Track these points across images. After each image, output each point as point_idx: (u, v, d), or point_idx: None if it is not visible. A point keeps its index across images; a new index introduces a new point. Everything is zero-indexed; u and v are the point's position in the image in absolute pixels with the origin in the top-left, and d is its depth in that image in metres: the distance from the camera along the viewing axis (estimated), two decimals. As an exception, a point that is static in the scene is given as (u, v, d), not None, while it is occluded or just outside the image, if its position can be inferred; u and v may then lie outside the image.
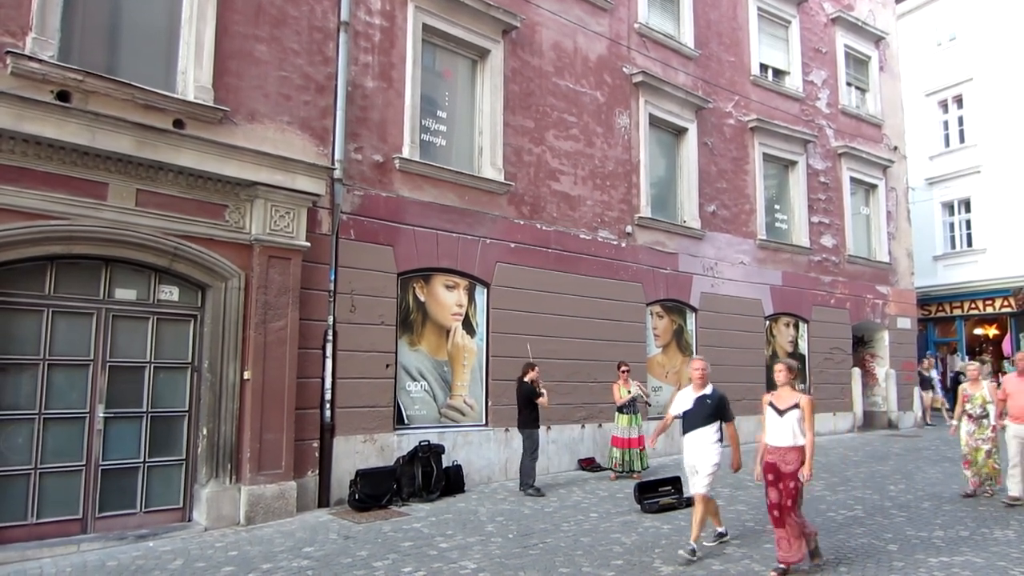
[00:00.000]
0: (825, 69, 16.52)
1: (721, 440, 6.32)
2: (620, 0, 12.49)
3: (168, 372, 7.54)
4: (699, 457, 6.27)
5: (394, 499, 8.44)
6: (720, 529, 6.66)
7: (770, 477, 5.72)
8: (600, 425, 11.01)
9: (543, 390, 9.30)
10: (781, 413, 5.76)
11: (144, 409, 7.34)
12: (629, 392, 10.28)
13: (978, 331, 20.89)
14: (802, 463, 5.62)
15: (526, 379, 9.31)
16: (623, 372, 10.42)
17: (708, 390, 6.41)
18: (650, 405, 11.29)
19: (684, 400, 6.49)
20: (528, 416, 9.22)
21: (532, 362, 9.48)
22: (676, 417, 6.58)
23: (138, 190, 7.11)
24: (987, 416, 8.66)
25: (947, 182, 21.10)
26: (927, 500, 8.45)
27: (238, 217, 7.79)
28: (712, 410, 6.32)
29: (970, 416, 8.81)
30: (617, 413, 10.35)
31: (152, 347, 7.43)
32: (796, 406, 5.72)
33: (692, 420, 6.35)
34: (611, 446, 10.40)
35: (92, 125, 6.62)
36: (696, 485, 6.29)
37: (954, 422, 9.09)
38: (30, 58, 6.51)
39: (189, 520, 7.47)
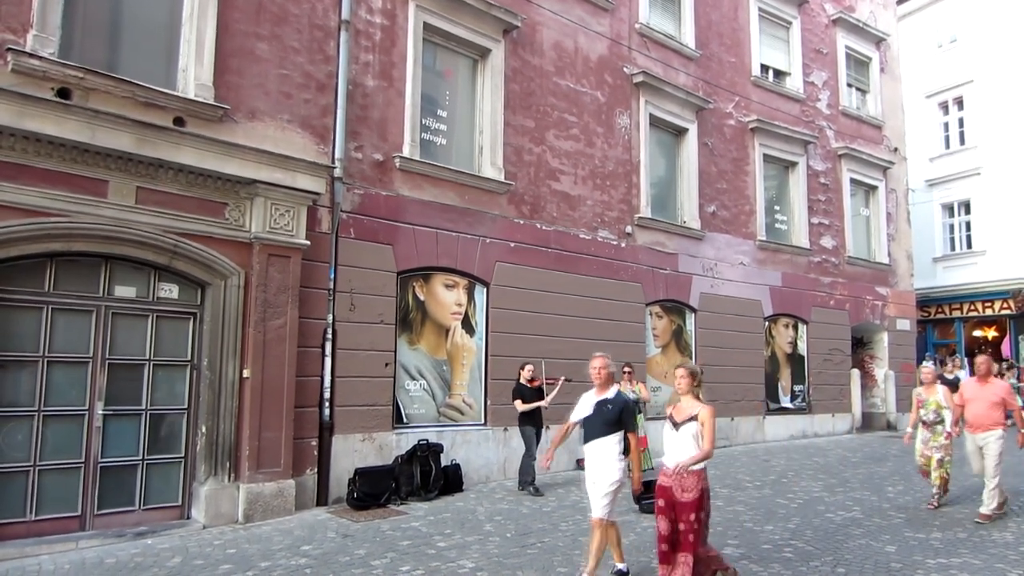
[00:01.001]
0: (826, 70, 16.52)
1: (626, 453, 5.48)
2: (621, 0, 12.49)
3: (167, 370, 7.54)
4: (598, 473, 5.39)
5: (392, 498, 8.44)
6: (621, 567, 5.53)
7: (661, 503, 4.84)
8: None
9: (547, 383, 9.43)
10: (677, 426, 4.91)
11: (143, 407, 7.34)
12: (634, 392, 10.26)
13: (977, 333, 20.91)
14: (703, 492, 4.72)
15: (521, 380, 9.39)
16: (626, 373, 10.42)
17: (610, 393, 5.53)
18: (646, 403, 11.20)
19: (584, 404, 5.61)
20: (523, 415, 9.26)
21: (526, 362, 9.53)
22: (576, 424, 5.72)
23: (138, 187, 7.11)
24: (942, 422, 8.11)
25: (947, 184, 21.12)
26: (925, 502, 8.45)
27: (238, 215, 7.79)
28: (614, 417, 5.43)
29: (924, 423, 8.25)
30: None
31: (151, 345, 7.43)
32: (694, 418, 4.83)
33: (591, 428, 5.48)
34: None
35: (92, 122, 6.62)
36: (594, 507, 5.38)
37: (909, 429, 8.45)
38: (31, 55, 6.51)
39: (188, 518, 7.47)
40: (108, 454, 7.09)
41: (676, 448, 4.88)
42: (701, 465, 4.79)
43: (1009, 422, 7.93)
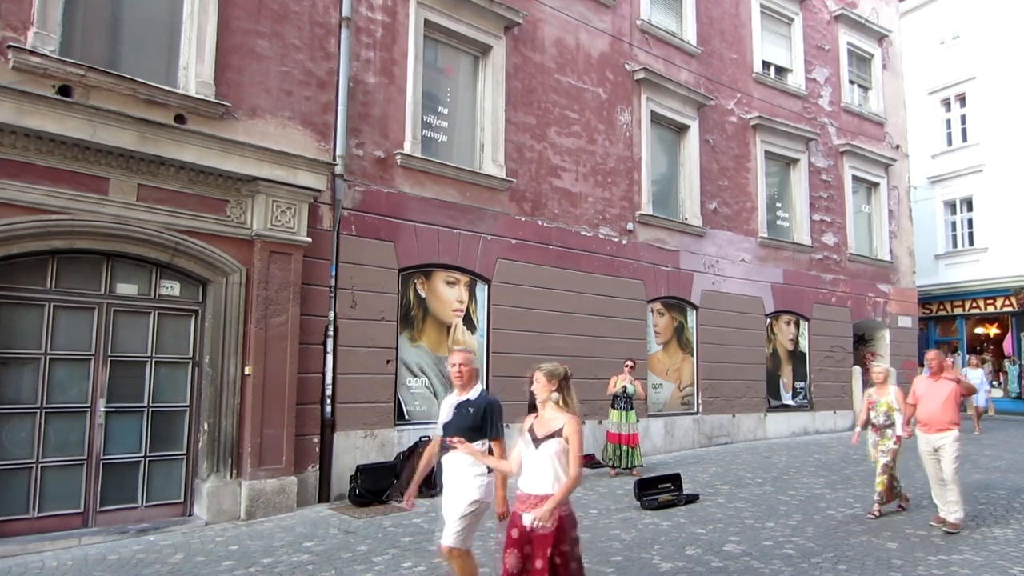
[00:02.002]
0: (828, 67, 16.49)
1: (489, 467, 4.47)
2: (622, -3, 12.48)
3: (169, 367, 7.56)
4: (454, 491, 4.48)
5: (394, 494, 8.45)
6: None
7: (514, 534, 3.87)
8: (600, 422, 11.00)
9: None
10: (537, 443, 3.92)
11: (145, 404, 7.35)
12: (625, 388, 10.25)
13: (979, 330, 20.89)
14: (561, 521, 3.79)
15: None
16: (626, 367, 10.44)
17: (472, 393, 4.62)
18: (642, 400, 11.19)
19: (444, 409, 4.69)
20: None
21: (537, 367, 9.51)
22: (441, 437, 4.63)
23: (139, 185, 7.12)
24: (892, 425, 7.70)
25: (949, 181, 21.08)
26: (926, 498, 8.43)
27: (239, 212, 7.80)
28: (474, 422, 4.48)
29: (874, 426, 7.84)
30: (610, 408, 10.38)
31: (153, 342, 7.44)
32: (556, 434, 3.88)
33: (448, 436, 4.48)
34: (606, 441, 10.43)
35: (93, 120, 6.62)
36: (446, 532, 4.46)
37: (858, 429, 8.14)
38: (31, 52, 6.52)
39: (190, 514, 7.48)
40: (110, 451, 7.10)
41: (534, 471, 3.91)
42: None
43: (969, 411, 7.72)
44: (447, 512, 4.50)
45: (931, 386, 7.37)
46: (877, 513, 7.56)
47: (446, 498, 4.57)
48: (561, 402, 4.01)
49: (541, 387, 4.04)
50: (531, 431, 4.01)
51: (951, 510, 6.95)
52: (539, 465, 3.90)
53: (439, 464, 4.69)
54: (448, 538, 4.42)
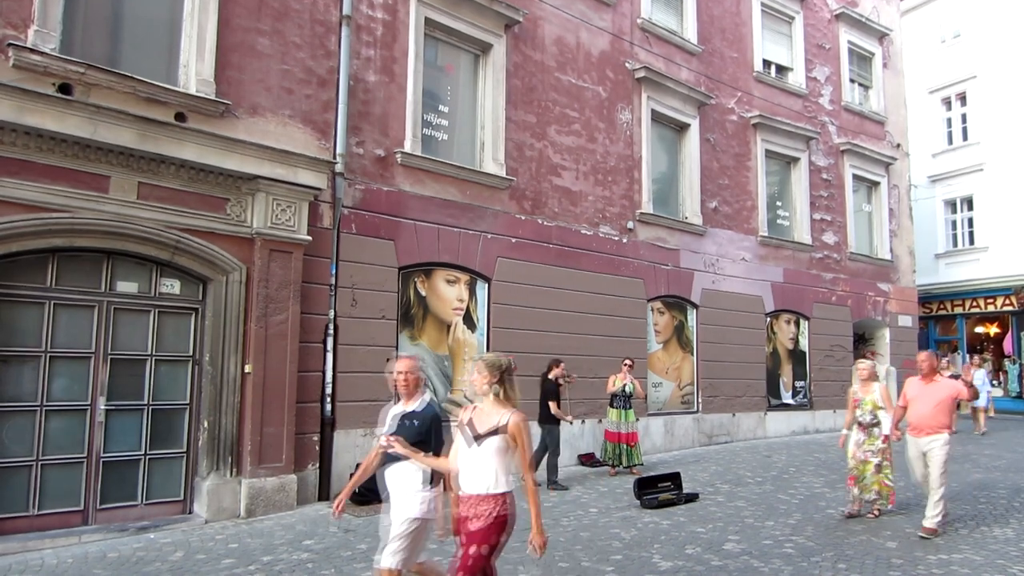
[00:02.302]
0: (828, 65, 16.48)
1: (432, 481, 4.24)
2: (623, -5, 12.47)
3: (169, 365, 7.56)
4: (395, 507, 4.27)
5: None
6: None
7: (463, 538, 3.67)
8: (600, 420, 11.01)
9: (567, 381, 9.50)
10: (478, 439, 3.66)
11: (145, 402, 7.36)
12: (624, 387, 10.24)
13: (979, 329, 20.88)
14: (497, 519, 3.57)
15: (550, 376, 9.38)
16: (625, 366, 10.44)
17: (417, 404, 4.37)
18: (641, 399, 11.16)
19: (387, 419, 4.46)
20: (548, 412, 9.25)
21: (558, 358, 9.54)
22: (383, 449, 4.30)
23: (140, 183, 7.12)
24: (878, 424, 7.51)
25: (950, 180, 21.06)
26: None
27: (239, 210, 7.79)
28: (417, 435, 4.20)
29: (860, 424, 7.63)
30: (609, 407, 10.39)
31: (153, 340, 7.44)
32: (500, 430, 3.63)
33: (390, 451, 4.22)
34: (605, 440, 10.43)
35: (94, 118, 6.62)
36: (385, 551, 4.18)
37: (844, 431, 7.87)
38: (32, 50, 6.51)
39: (190, 512, 7.49)
40: (110, 449, 7.11)
41: (474, 469, 3.65)
42: (504, 488, 3.63)
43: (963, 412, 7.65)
44: (386, 531, 4.23)
45: (923, 388, 7.07)
46: (878, 512, 7.50)
47: (389, 515, 4.28)
48: (502, 395, 3.73)
49: (482, 379, 3.76)
50: (470, 426, 3.71)
51: (930, 514, 6.71)
52: (479, 463, 3.64)
53: (381, 476, 4.38)
54: (387, 559, 4.10)
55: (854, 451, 7.63)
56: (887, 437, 7.46)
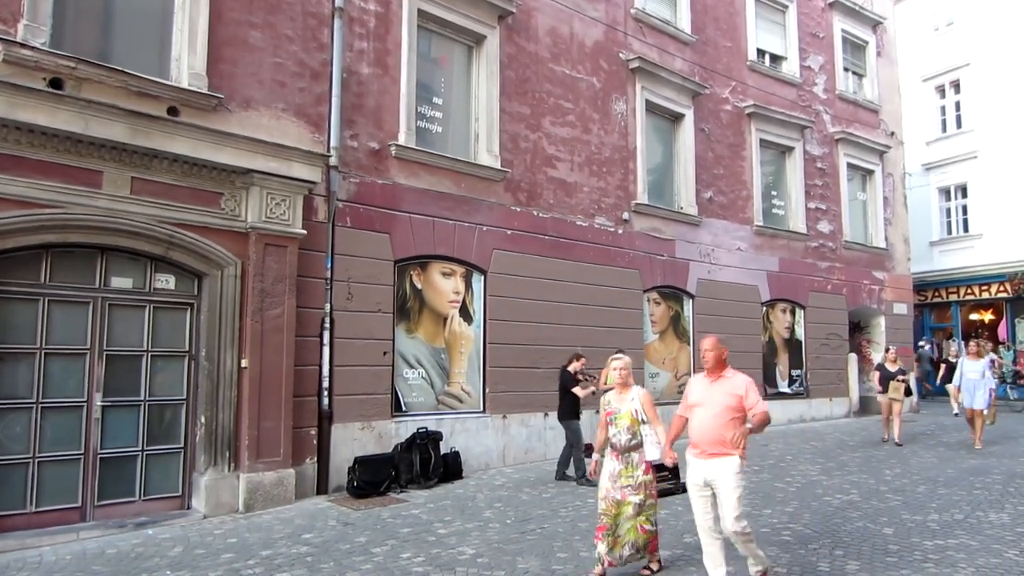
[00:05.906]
0: (822, 54, 16.46)
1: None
2: (616, -15, 12.41)
3: (165, 360, 7.54)
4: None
5: (392, 486, 8.47)
6: None
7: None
8: (596, 412, 11.01)
9: (586, 377, 9.29)
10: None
11: (142, 397, 7.34)
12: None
13: (974, 316, 20.95)
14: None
15: (569, 368, 9.28)
16: (614, 365, 10.32)
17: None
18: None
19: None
20: (567, 406, 9.17)
21: (580, 352, 9.46)
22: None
23: (132, 178, 7.08)
24: (639, 447, 5.37)
25: (944, 167, 21.11)
26: (922, 484, 8.51)
27: (234, 205, 7.76)
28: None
29: (613, 448, 5.36)
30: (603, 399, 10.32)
31: (149, 335, 7.42)
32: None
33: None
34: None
35: (85, 112, 6.58)
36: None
37: (595, 456, 5.59)
38: (22, 45, 6.46)
39: (188, 508, 7.49)
40: (107, 445, 7.10)
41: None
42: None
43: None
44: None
45: (707, 389, 5.01)
46: (652, 572, 5.28)
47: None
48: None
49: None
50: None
51: (751, 563, 4.88)
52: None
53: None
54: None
55: (608, 489, 5.27)
56: (650, 465, 5.43)
